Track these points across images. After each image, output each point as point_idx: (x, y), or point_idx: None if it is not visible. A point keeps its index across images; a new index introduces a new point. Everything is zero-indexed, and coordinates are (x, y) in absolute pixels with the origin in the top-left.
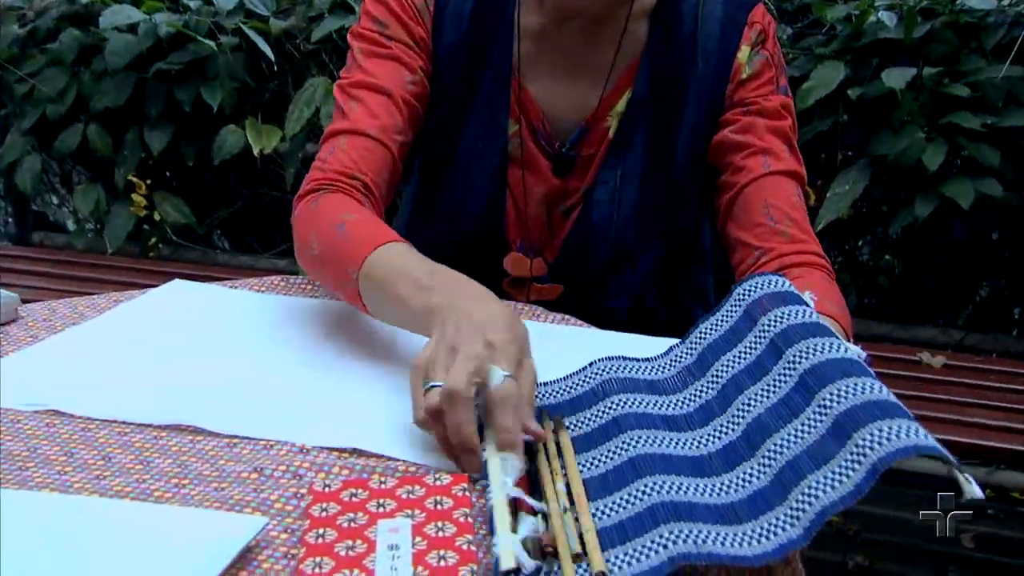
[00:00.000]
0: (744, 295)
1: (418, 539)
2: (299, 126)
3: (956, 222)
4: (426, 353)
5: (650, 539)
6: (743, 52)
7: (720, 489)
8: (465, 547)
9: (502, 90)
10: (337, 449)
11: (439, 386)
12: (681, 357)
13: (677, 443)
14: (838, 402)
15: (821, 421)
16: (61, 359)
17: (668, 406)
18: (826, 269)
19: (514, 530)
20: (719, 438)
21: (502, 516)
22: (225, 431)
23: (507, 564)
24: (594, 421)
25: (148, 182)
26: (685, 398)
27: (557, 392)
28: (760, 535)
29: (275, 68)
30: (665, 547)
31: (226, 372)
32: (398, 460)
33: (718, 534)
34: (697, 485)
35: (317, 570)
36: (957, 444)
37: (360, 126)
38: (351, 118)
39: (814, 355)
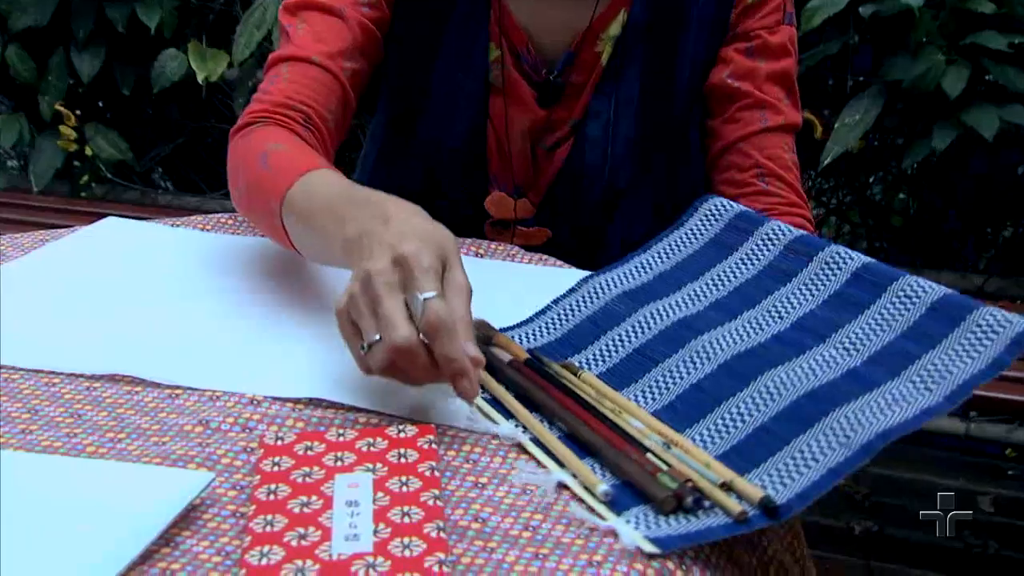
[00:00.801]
0: (717, 212)
1: (380, 495)
2: (248, 51)
3: (978, 155)
4: (344, 297)
5: (789, 456)
6: None
7: (807, 375)
8: (431, 503)
9: (480, 11)
10: (291, 400)
11: (377, 341)
12: (650, 264)
13: (720, 346)
14: (924, 291)
15: (908, 308)
16: None
17: (674, 309)
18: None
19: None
20: (759, 330)
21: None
22: (166, 381)
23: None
24: (613, 355)
25: (78, 113)
26: (686, 298)
27: (541, 331)
28: (885, 407)
29: None
30: (816, 459)
31: (167, 317)
32: (358, 410)
33: (846, 417)
34: (781, 379)
35: (268, 528)
36: (975, 399)
37: (305, 52)
38: (295, 42)
39: (856, 258)
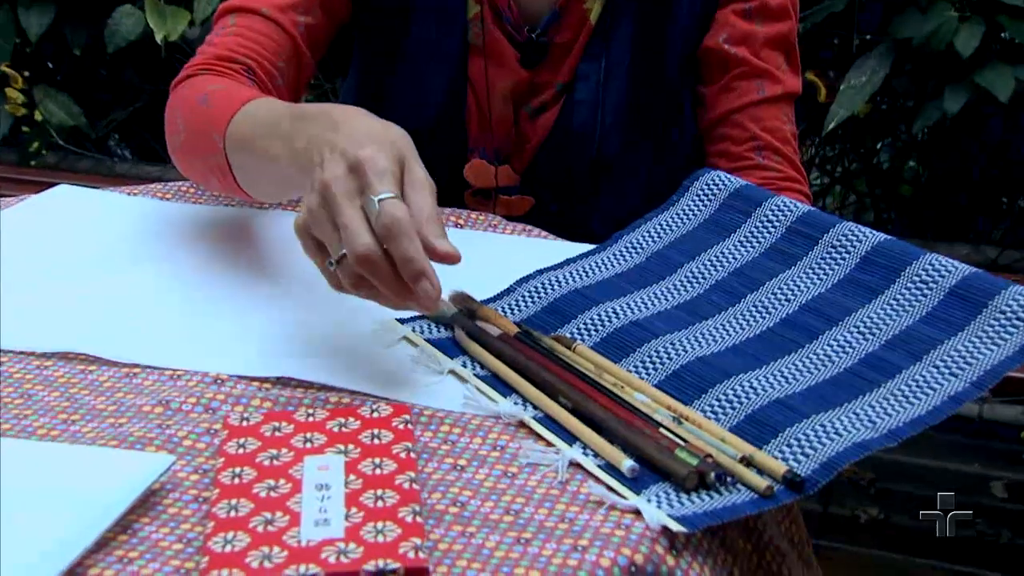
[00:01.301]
0: (713, 189)
1: (352, 477)
2: (211, 8)
3: (993, 119)
4: (303, 212)
5: (810, 428)
6: None
7: (823, 362)
8: (407, 486)
9: None
10: (257, 378)
11: (342, 254)
12: (642, 244)
13: (727, 331)
14: (941, 275)
15: (925, 295)
16: None
17: (673, 293)
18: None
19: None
20: (766, 314)
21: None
22: (123, 359)
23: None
24: (605, 324)
25: (26, 74)
26: (685, 280)
27: (524, 300)
28: (909, 395)
29: None
30: (839, 434)
31: (124, 292)
32: (329, 389)
33: (871, 406)
34: (797, 367)
35: (233, 514)
36: None
37: (254, 2)
38: None
39: (865, 238)
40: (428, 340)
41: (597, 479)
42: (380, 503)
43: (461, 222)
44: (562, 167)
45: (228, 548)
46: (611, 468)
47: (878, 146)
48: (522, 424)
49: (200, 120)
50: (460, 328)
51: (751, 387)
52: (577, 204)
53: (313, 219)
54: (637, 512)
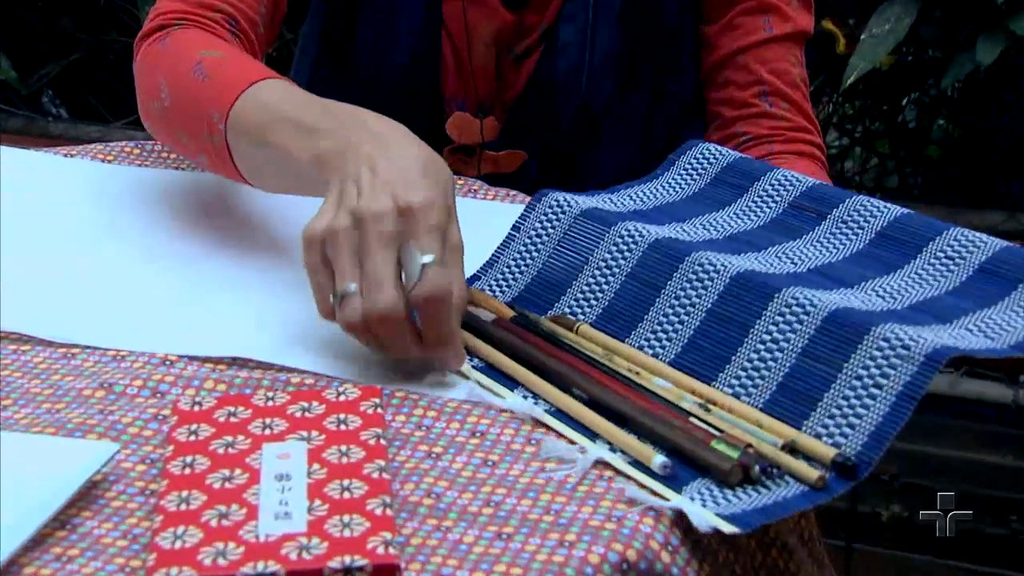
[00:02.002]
0: (702, 163)
1: (315, 467)
2: None
3: None
4: (319, 226)
5: (848, 387)
6: None
7: (835, 301)
8: (376, 475)
9: None
10: (210, 359)
11: (352, 293)
12: (619, 202)
13: (723, 264)
14: (969, 250)
15: (951, 270)
16: None
17: (652, 232)
18: (822, 162)
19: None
20: (770, 268)
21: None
22: (60, 339)
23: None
24: (604, 289)
25: None
26: (670, 231)
27: (511, 272)
28: (943, 333)
29: None
30: (878, 386)
31: (60, 264)
32: (290, 370)
33: (895, 334)
34: (808, 299)
35: (184, 507)
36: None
37: None
38: None
39: (880, 213)
40: None
41: (629, 478)
42: (347, 494)
43: None
44: (547, 115)
45: (178, 544)
46: (638, 464)
47: (903, 103)
48: (505, 411)
49: (192, 93)
50: None
51: (772, 341)
52: (566, 160)
53: (334, 241)
54: (630, 502)
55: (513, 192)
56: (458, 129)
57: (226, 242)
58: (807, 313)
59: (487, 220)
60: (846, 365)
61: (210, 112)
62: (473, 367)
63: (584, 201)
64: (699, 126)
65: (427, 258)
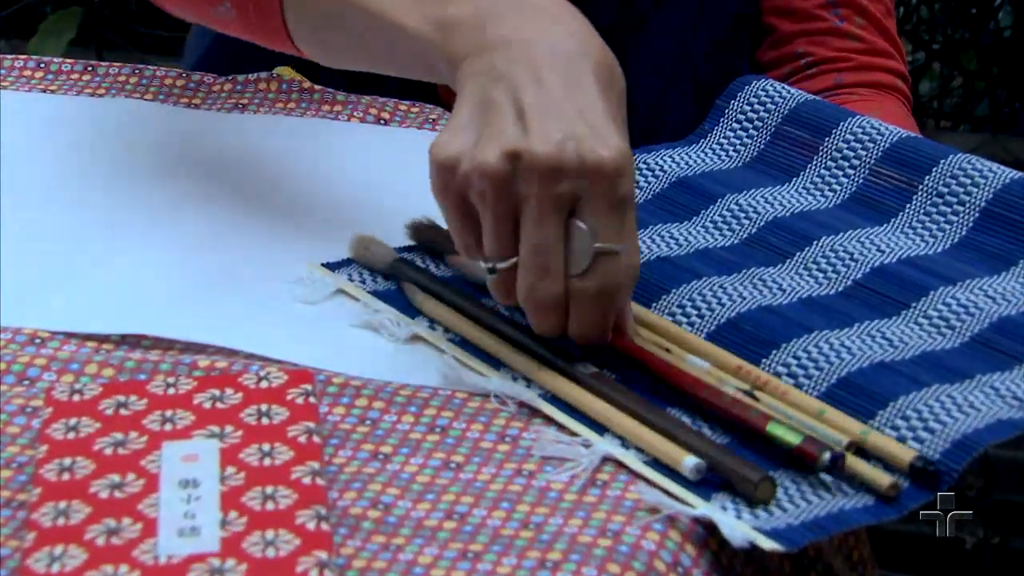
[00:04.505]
0: (756, 110)
1: (230, 471)
2: None
3: None
4: (455, 149)
5: (934, 399)
6: None
7: (934, 327)
8: (308, 481)
9: None
10: (94, 336)
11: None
12: (659, 167)
13: (793, 280)
14: None
15: None
16: None
17: (707, 232)
18: (906, 99)
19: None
20: (848, 262)
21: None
22: None
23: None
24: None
25: None
26: (723, 218)
27: None
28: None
29: None
30: (973, 408)
31: None
32: (198, 349)
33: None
34: (900, 327)
35: (61, 521)
36: None
37: None
38: None
39: (984, 180)
40: (374, 293)
41: (650, 482)
42: (271, 505)
43: (386, 116)
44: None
45: (55, 567)
46: (658, 464)
47: (995, 3)
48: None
49: None
50: (409, 280)
51: (843, 346)
52: None
53: (482, 188)
54: (630, 514)
55: None
56: None
57: (117, 181)
58: (890, 344)
59: None
60: (938, 387)
61: None
62: (448, 339)
63: None
64: (745, 43)
65: (605, 245)
